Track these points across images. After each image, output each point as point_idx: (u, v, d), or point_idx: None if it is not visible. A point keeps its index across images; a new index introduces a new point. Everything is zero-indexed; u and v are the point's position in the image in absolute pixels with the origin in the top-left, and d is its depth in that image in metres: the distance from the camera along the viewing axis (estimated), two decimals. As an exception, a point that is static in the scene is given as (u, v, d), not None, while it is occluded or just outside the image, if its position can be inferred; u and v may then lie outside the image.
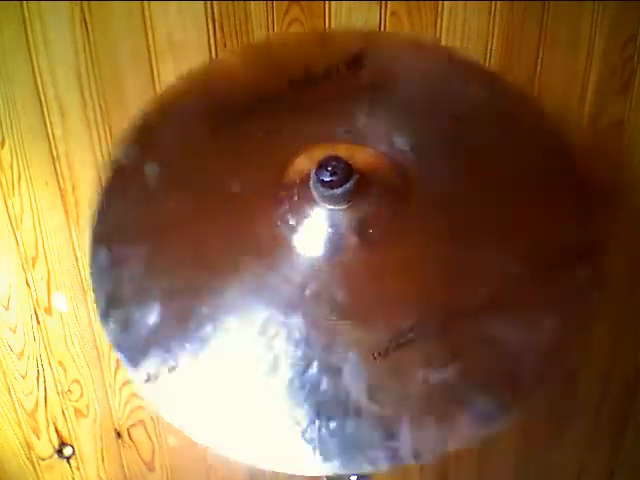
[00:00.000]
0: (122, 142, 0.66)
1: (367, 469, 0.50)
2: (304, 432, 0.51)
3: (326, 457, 0.50)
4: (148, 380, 0.54)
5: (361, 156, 0.60)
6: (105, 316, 0.58)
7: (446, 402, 0.51)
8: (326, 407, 0.52)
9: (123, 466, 1.06)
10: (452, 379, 0.51)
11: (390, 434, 0.50)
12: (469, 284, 0.56)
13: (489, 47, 0.85)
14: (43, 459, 1.03)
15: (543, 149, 0.64)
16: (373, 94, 0.66)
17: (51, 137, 0.82)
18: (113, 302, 0.58)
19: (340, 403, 0.52)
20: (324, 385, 0.52)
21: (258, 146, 0.64)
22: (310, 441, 0.51)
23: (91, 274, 0.60)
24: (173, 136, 0.66)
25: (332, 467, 0.51)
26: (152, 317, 0.57)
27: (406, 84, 0.67)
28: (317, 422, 0.51)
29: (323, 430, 0.51)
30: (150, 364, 0.55)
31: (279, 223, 0.59)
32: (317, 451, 0.50)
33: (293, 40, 0.80)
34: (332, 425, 0.51)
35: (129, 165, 0.65)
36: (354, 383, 0.52)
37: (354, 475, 0.66)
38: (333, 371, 0.53)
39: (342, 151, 0.59)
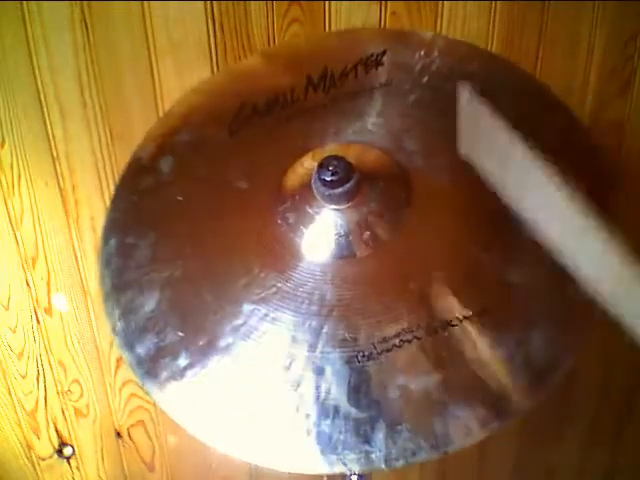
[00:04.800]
0: (143, 141, 0.67)
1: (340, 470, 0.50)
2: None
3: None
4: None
5: (363, 156, 0.60)
6: (108, 300, 0.58)
7: (425, 410, 0.50)
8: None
9: (123, 466, 1.06)
10: (434, 388, 0.50)
11: (365, 437, 0.50)
12: (465, 290, 0.55)
13: (489, 47, 0.85)
14: (43, 459, 1.03)
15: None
16: (387, 93, 0.65)
17: (51, 137, 0.82)
18: (117, 288, 0.59)
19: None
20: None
21: (269, 145, 0.64)
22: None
23: (99, 260, 0.61)
24: (191, 134, 0.66)
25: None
26: (151, 304, 0.57)
27: (421, 84, 0.66)
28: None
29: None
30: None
31: (280, 221, 0.59)
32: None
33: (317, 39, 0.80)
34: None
35: (145, 158, 0.65)
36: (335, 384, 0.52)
37: (354, 475, 0.67)
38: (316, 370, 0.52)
39: (344, 151, 0.59)
